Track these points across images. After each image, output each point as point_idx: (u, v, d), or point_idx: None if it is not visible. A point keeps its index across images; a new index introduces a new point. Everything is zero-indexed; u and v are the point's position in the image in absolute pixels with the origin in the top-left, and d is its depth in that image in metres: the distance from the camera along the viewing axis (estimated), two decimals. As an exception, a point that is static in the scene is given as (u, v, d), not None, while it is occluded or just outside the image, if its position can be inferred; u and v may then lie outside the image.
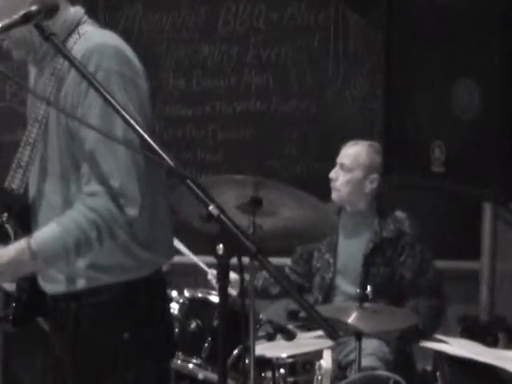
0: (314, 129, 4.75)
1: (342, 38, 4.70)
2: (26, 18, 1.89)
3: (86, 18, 2.14)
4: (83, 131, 1.98)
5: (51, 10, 1.95)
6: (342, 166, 3.69)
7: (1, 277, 2.05)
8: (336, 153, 3.79)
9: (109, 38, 2.07)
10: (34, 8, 1.90)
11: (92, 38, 2.06)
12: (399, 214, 3.69)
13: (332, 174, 3.72)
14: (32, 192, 2.17)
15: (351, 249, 3.69)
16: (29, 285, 2.17)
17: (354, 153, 3.70)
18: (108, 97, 1.75)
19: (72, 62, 1.80)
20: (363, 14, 4.61)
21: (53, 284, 2.15)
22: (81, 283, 2.11)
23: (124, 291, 2.12)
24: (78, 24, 2.11)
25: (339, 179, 3.68)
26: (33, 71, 2.21)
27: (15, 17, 1.89)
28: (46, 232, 2.02)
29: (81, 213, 2.00)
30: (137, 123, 1.76)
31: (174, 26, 4.71)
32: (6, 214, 2.12)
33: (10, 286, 2.17)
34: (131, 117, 1.78)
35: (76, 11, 2.14)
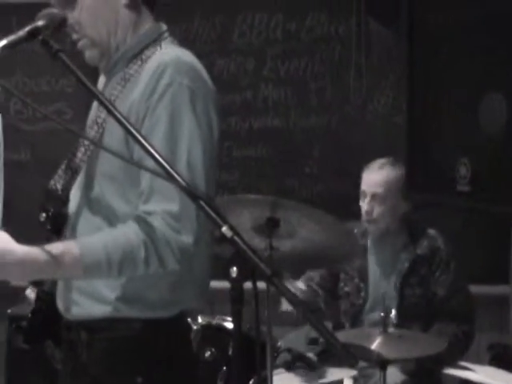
0: (335, 146, 4.77)
1: (364, 49, 4.73)
2: (33, 34, 1.91)
3: (167, 34, 2.19)
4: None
5: (59, 25, 1.99)
6: (375, 197, 3.62)
7: (37, 274, 1.98)
8: (358, 171, 3.79)
9: (186, 55, 2.11)
10: (40, 23, 1.93)
11: (170, 52, 2.10)
12: (431, 231, 3.68)
13: (367, 207, 3.63)
14: (74, 202, 2.15)
15: (384, 271, 3.68)
16: (49, 297, 2.16)
17: (383, 179, 3.63)
18: (123, 120, 1.79)
19: (81, 80, 1.84)
20: (386, 24, 4.65)
21: (72, 306, 2.13)
22: (99, 311, 2.08)
23: (143, 329, 2.07)
24: (158, 38, 2.16)
25: (375, 211, 3.62)
26: (101, 81, 2.24)
27: (21, 32, 1.92)
28: (95, 239, 2.00)
29: (133, 229, 1.97)
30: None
31: (187, 38, 4.76)
32: (43, 215, 2.12)
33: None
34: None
35: (159, 26, 2.19)
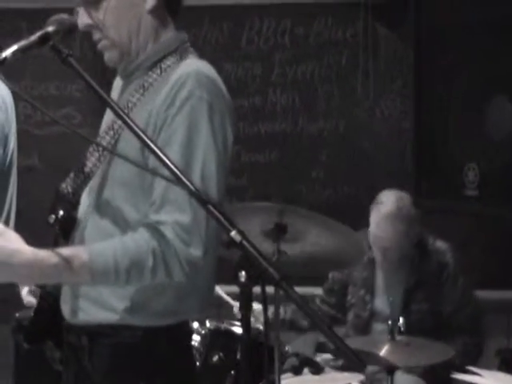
0: (343, 150, 4.78)
1: (371, 53, 4.74)
2: (43, 39, 1.93)
3: (187, 44, 2.20)
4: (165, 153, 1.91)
5: (69, 31, 2.01)
6: (385, 250, 3.58)
7: (45, 276, 1.98)
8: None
9: (206, 68, 2.12)
10: (51, 28, 1.95)
11: (191, 64, 2.11)
12: (440, 244, 3.64)
13: (379, 256, 3.64)
14: (84, 206, 2.16)
15: (390, 285, 3.67)
16: (52, 298, 2.17)
17: (389, 234, 3.55)
18: (130, 122, 1.80)
19: (91, 85, 1.85)
20: (393, 28, 4.65)
21: (77, 312, 2.13)
22: (105, 317, 2.09)
23: (144, 336, 2.08)
24: (179, 47, 2.17)
25: (386, 257, 3.62)
26: (118, 85, 2.25)
27: (32, 37, 1.94)
28: (104, 245, 2.01)
29: (143, 237, 1.98)
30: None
31: (196, 44, 4.75)
32: (53, 217, 2.13)
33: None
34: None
35: (181, 35, 2.21)
